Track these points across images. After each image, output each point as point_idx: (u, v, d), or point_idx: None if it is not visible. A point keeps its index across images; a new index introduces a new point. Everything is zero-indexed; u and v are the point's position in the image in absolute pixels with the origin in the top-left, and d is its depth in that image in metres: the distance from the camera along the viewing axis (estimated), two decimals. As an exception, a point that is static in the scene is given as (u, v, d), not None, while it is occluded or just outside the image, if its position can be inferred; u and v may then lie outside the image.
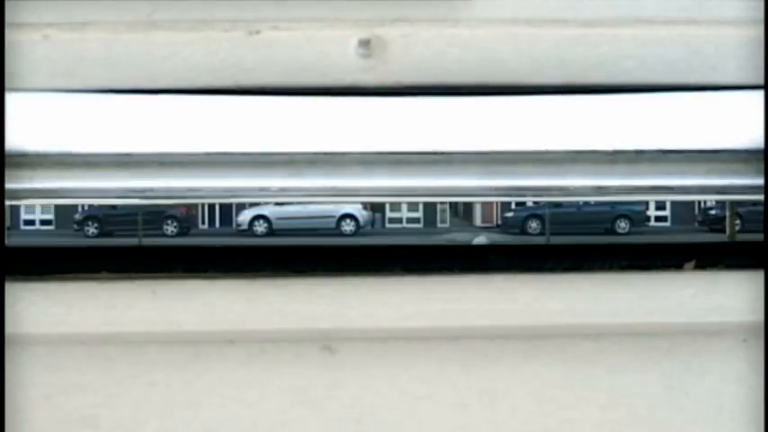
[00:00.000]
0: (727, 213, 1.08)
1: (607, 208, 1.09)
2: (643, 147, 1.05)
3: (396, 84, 1.06)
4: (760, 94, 1.04)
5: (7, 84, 1.02)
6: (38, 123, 1.01)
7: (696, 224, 1.10)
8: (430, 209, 1.11)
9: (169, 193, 1.06)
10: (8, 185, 1.01)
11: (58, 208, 1.09)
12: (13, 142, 1.00)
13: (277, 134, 1.03)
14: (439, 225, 1.08)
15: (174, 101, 1.03)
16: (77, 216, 1.05)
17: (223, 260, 1.14)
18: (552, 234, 1.11)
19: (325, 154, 1.03)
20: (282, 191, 1.08)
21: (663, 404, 1.11)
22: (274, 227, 1.08)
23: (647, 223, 1.11)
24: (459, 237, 1.11)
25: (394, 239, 1.12)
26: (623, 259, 1.13)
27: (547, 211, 1.07)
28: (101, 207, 1.07)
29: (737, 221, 1.10)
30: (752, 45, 1.06)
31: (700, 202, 1.10)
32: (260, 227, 1.09)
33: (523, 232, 1.08)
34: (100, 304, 1.07)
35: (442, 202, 1.11)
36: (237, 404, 1.09)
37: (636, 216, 1.09)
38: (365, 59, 1.04)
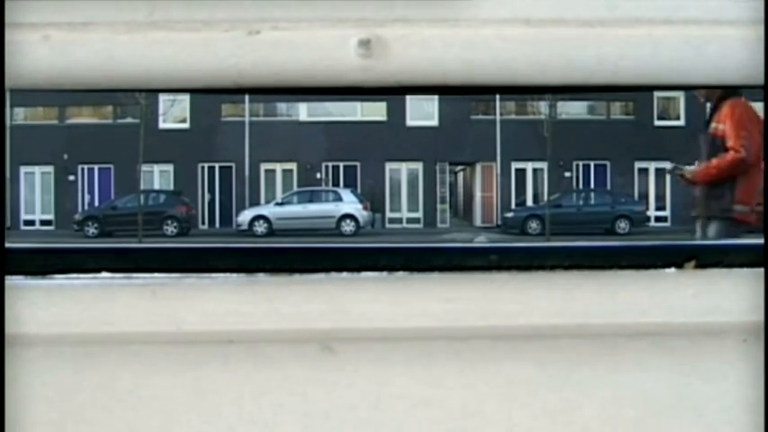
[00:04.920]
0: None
1: (607, 208, 1.09)
2: None
3: (396, 84, 1.06)
4: None
5: (7, 84, 1.02)
6: None
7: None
8: (430, 208, 1.11)
9: None
10: None
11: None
12: None
13: None
14: (439, 225, 1.08)
15: None
16: (77, 216, 1.05)
17: (223, 260, 1.14)
18: (552, 234, 1.11)
19: None
20: None
21: (664, 403, 1.11)
22: (274, 227, 1.09)
23: (647, 223, 1.11)
24: (460, 237, 1.11)
25: (394, 239, 1.12)
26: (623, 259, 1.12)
27: (547, 212, 1.07)
28: (100, 207, 1.08)
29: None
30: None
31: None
32: (260, 227, 1.09)
33: (523, 232, 1.08)
34: (100, 304, 1.07)
35: None
36: (237, 403, 1.09)
37: (636, 216, 1.09)
38: (365, 59, 1.04)
